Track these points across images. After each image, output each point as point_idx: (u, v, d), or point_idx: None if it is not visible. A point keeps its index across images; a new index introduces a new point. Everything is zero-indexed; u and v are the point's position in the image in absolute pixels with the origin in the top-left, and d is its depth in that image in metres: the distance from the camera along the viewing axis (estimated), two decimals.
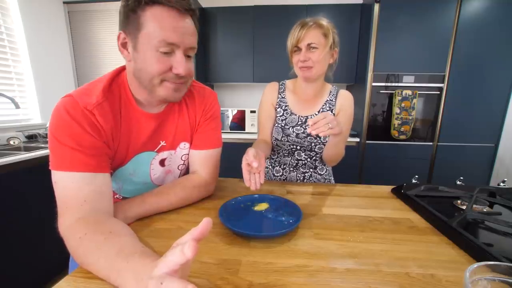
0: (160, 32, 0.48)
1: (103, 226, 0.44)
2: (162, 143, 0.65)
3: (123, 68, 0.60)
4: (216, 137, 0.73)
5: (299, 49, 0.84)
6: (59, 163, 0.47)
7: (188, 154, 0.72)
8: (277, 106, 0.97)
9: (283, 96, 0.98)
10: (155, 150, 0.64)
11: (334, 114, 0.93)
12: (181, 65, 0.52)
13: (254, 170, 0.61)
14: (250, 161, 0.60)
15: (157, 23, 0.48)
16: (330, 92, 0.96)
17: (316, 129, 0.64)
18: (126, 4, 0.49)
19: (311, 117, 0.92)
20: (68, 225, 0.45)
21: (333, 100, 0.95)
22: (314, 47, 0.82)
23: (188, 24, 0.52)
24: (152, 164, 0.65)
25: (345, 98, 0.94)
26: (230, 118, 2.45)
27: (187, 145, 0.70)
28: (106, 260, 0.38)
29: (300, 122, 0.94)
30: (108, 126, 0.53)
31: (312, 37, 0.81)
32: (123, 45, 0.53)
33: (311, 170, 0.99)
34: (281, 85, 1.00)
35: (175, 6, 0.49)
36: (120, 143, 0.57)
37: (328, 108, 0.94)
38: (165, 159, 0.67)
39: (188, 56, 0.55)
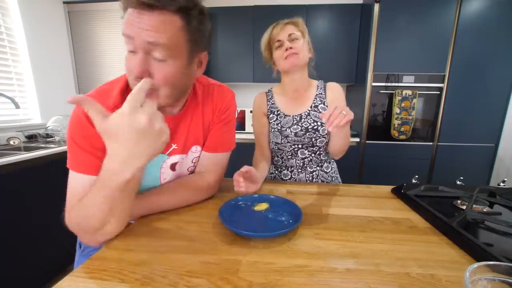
0: (123, 26, 0.47)
1: None
2: (174, 146, 0.64)
3: None
4: (228, 140, 0.72)
5: (280, 43, 0.87)
6: (72, 163, 0.50)
7: (198, 157, 0.71)
8: (269, 113, 0.99)
9: (272, 103, 0.99)
10: (166, 153, 0.64)
11: (326, 106, 0.95)
12: (134, 63, 0.46)
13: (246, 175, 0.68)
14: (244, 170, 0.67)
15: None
16: (318, 86, 0.98)
17: (334, 122, 0.61)
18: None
19: (305, 114, 0.94)
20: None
21: (323, 93, 0.97)
22: (295, 38, 0.86)
23: (150, 19, 0.45)
24: (163, 167, 0.65)
25: (334, 90, 0.97)
26: None
27: (199, 148, 0.69)
28: (101, 196, 0.43)
29: (295, 122, 0.95)
30: None
31: (291, 30, 0.86)
32: None
33: (318, 168, 0.99)
34: (268, 92, 1.02)
35: (137, 3, 0.45)
36: None
37: (319, 102, 0.95)
38: (176, 163, 0.66)
39: (154, 58, 0.47)
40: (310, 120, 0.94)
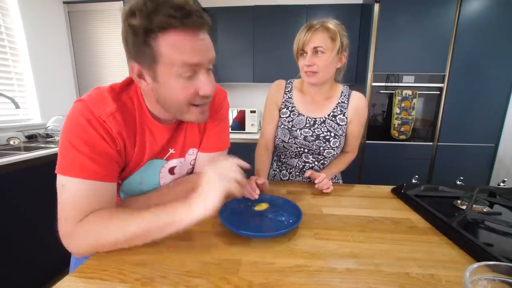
0: (180, 56, 0.45)
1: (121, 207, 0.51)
2: (171, 151, 0.63)
3: (132, 80, 0.56)
4: (223, 139, 0.72)
5: (305, 53, 0.82)
6: (68, 168, 0.47)
7: (195, 159, 0.71)
8: (283, 107, 0.94)
9: (289, 96, 0.93)
10: (164, 158, 0.63)
11: (346, 118, 0.89)
12: (207, 85, 0.50)
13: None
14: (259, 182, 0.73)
15: (173, 49, 0.44)
16: (342, 92, 0.91)
17: (324, 186, 0.80)
18: (134, 34, 0.44)
19: (321, 121, 0.90)
20: (76, 225, 0.46)
21: (345, 102, 0.90)
22: (320, 51, 0.79)
23: (205, 40, 0.48)
24: (162, 172, 0.64)
25: (358, 102, 0.90)
26: (231, 118, 2.45)
27: (196, 150, 0.69)
28: (145, 216, 0.45)
29: (308, 124, 0.90)
30: (120, 136, 0.52)
31: (318, 41, 0.78)
32: (139, 76, 0.49)
33: None
34: (288, 83, 0.96)
35: (189, 26, 0.44)
36: (134, 154, 0.56)
37: (339, 112, 0.89)
38: (174, 167, 0.66)
39: (209, 69, 0.52)
40: (324, 129, 0.89)
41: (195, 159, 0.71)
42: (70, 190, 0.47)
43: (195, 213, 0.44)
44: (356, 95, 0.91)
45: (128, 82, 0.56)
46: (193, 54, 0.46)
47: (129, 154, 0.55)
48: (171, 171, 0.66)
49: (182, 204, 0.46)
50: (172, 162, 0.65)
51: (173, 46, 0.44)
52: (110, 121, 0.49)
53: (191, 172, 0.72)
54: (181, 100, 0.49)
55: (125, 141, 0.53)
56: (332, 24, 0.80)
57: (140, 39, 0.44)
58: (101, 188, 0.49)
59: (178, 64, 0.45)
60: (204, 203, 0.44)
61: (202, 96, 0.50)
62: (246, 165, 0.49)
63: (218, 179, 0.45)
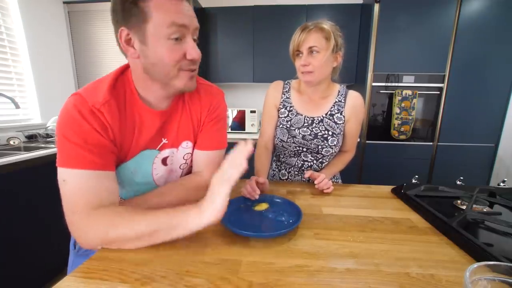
0: (169, 16, 0.48)
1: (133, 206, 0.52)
2: (164, 141, 0.64)
3: (127, 66, 0.59)
4: (221, 138, 0.72)
5: (301, 53, 0.83)
6: (65, 160, 0.48)
7: (190, 153, 0.71)
8: (281, 107, 0.95)
9: (287, 96, 0.95)
10: (157, 148, 0.64)
11: (343, 116, 0.90)
12: (194, 49, 0.53)
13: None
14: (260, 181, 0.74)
15: (163, 10, 0.48)
16: (339, 92, 0.93)
17: (323, 188, 0.80)
18: None
19: (318, 120, 0.91)
20: (86, 216, 0.47)
21: (342, 101, 0.91)
22: (315, 50, 0.81)
23: (189, 7, 0.52)
24: (155, 163, 0.65)
25: (355, 101, 0.91)
26: (231, 118, 2.45)
27: (190, 144, 0.69)
28: (157, 215, 0.47)
29: (306, 124, 0.91)
30: (115, 123, 0.53)
31: (313, 41, 0.80)
32: (127, 42, 0.51)
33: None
34: (286, 84, 0.97)
35: None
36: (124, 140, 0.57)
37: (337, 110, 0.90)
38: (167, 157, 0.66)
39: (194, 40, 0.55)
40: (322, 127, 0.90)
41: (190, 154, 0.71)
42: (71, 182, 0.48)
43: (204, 217, 0.46)
44: (353, 94, 0.92)
45: (124, 68, 0.58)
46: (180, 15, 0.49)
47: (123, 141, 0.56)
48: (164, 161, 0.66)
49: (193, 207, 0.48)
50: (165, 152, 0.65)
51: (162, 7, 0.48)
52: (105, 109, 0.51)
53: (185, 168, 0.73)
54: (170, 63, 0.51)
55: (119, 128, 0.54)
56: (326, 24, 0.82)
57: (130, 0, 0.47)
58: (101, 177, 0.49)
59: (167, 24, 0.48)
60: (213, 207, 0.46)
61: (189, 60, 0.53)
62: (249, 148, 0.48)
63: (221, 183, 0.47)
